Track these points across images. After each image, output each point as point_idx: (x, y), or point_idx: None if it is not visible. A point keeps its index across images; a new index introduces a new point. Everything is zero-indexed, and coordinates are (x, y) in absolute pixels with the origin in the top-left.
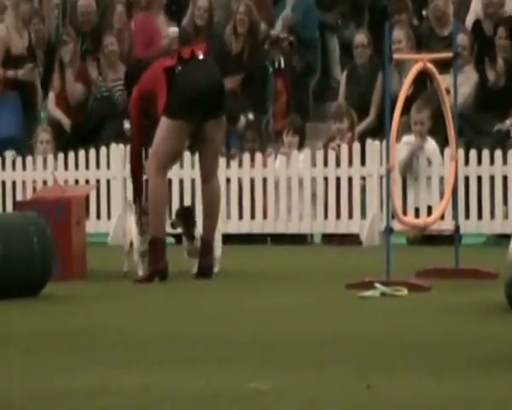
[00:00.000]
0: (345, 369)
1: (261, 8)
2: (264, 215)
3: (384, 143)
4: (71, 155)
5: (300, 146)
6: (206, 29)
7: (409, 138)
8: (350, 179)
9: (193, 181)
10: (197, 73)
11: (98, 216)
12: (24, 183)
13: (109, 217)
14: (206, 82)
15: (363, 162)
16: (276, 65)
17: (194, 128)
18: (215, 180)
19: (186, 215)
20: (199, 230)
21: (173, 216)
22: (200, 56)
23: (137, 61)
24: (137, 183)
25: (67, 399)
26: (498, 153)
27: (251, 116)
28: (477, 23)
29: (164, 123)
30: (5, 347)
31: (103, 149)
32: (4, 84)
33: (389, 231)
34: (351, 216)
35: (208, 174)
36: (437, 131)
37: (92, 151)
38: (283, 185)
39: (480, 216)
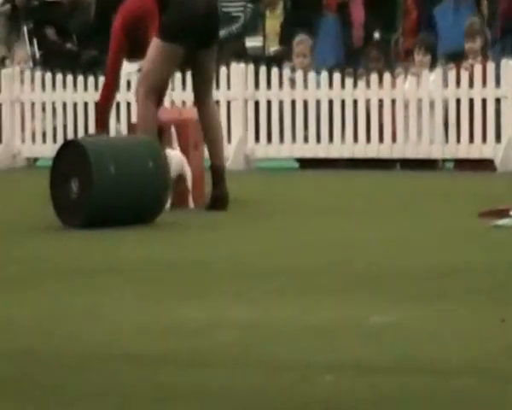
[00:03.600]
0: (475, 301)
1: None
2: (393, 139)
3: None
4: (189, 74)
5: (432, 66)
6: None
7: None
8: (484, 101)
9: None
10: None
11: None
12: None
13: (229, 141)
14: (205, 8)
15: (497, 83)
16: None
17: (187, 54)
18: (210, 103)
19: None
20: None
21: None
22: None
23: None
24: (102, 117)
25: (179, 332)
26: None
27: (377, 35)
28: None
29: (156, 44)
30: (117, 275)
31: (223, 69)
32: None
33: None
34: (484, 140)
35: (202, 99)
36: None
37: None
38: (413, 107)
39: None
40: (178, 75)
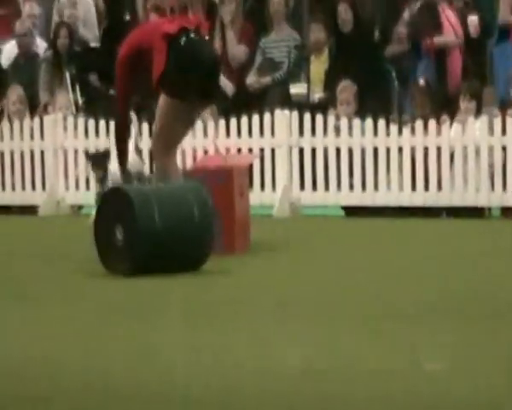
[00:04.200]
0: None
1: None
2: (439, 187)
3: None
4: (233, 121)
5: (477, 112)
6: None
7: None
8: None
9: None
10: (201, 53)
11: (262, 187)
12: (183, 151)
13: (274, 188)
14: (207, 61)
15: None
16: None
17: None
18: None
19: (99, 159)
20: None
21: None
22: (206, 37)
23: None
24: (122, 149)
25: (240, 372)
26: None
27: (422, 81)
28: None
29: (164, 101)
30: (162, 319)
31: (267, 116)
32: None
33: None
34: None
35: (177, 144)
36: None
37: (256, 117)
38: (459, 154)
39: None
40: (222, 122)
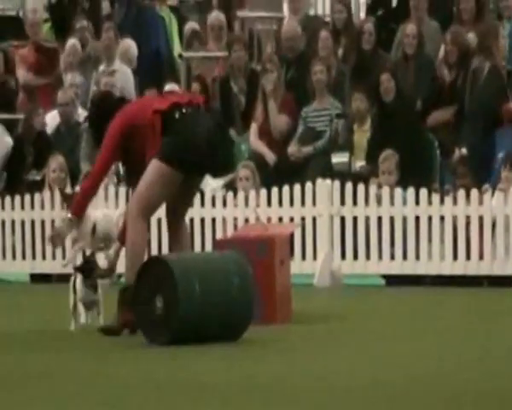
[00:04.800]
0: None
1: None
2: (480, 256)
3: None
4: (274, 190)
5: None
6: (415, 57)
7: None
8: None
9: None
10: (197, 123)
11: (303, 256)
12: (224, 220)
13: (315, 257)
14: (206, 136)
15: None
16: None
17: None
18: (183, 225)
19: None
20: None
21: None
22: (203, 108)
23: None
24: (80, 204)
25: None
26: None
27: (464, 150)
28: None
29: (157, 166)
30: (201, 395)
31: (309, 185)
32: None
33: None
34: None
35: (177, 218)
36: None
37: (297, 187)
38: (500, 224)
39: None
40: (263, 191)
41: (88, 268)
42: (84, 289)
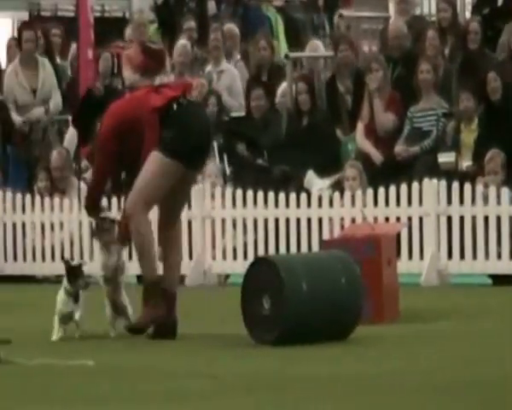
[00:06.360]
0: None
1: None
2: None
3: None
4: (381, 190)
5: None
6: None
7: None
8: None
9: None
10: (197, 114)
11: (410, 255)
12: (331, 220)
13: (422, 256)
14: (202, 126)
15: None
16: None
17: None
18: (177, 225)
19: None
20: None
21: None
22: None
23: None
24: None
25: None
26: None
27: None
28: None
29: (157, 159)
30: (309, 390)
31: (415, 185)
32: None
33: None
34: None
35: (172, 219)
36: None
37: (404, 187)
38: None
39: None
40: (370, 191)
41: (73, 276)
42: (65, 299)
